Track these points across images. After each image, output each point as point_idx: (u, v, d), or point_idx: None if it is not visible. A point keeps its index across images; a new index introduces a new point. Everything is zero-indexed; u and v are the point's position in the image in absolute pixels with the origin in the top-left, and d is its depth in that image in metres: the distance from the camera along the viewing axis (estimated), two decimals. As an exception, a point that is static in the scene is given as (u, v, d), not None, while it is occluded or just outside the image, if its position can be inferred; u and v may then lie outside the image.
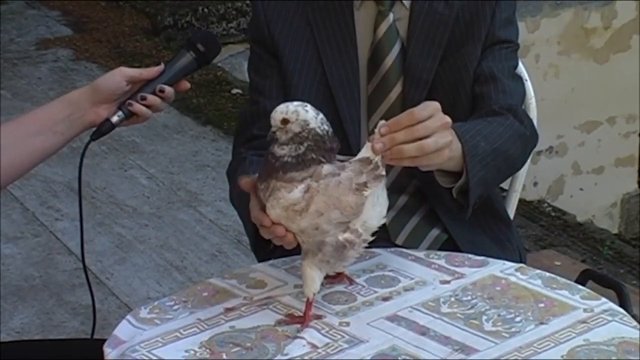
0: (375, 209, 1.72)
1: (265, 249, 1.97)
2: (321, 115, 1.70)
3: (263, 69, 2.15)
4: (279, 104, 1.91)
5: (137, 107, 1.97)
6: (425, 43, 2.09)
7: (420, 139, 1.72)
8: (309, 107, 1.70)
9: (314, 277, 1.73)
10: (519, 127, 2.04)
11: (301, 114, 1.68)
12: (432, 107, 1.76)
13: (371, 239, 1.75)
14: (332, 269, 1.78)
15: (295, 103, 1.70)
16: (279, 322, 1.74)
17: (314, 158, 1.68)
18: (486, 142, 1.93)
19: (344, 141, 2.09)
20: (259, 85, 2.16)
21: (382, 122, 1.73)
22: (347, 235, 1.71)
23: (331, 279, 1.84)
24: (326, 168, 1.69)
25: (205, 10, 6.04)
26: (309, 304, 1.74)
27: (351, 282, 1.85)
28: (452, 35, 2.10)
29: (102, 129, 1.97)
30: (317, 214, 1.68)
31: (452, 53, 2.10)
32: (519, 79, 2.18)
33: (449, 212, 2.11)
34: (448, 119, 1.77)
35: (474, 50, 2.09)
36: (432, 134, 1.73)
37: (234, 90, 5.35)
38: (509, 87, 2.10)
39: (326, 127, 1.70)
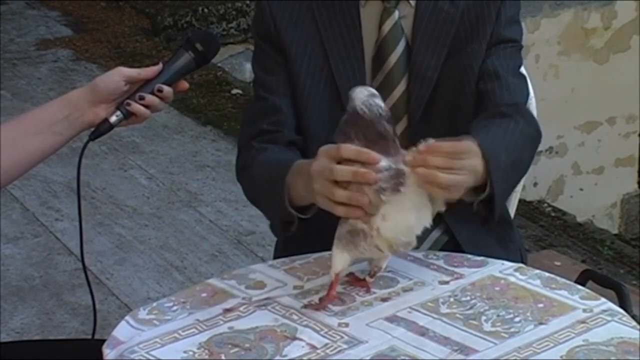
0: (397, 218, 1.72)
1: (287, 231, 1.98)
2: (372, 101, 1.77)
3: (269, 66, 2.14)
4: (286, 100, 2.02)
5: (136, 107, 1.97)
6: (430, 41, 2.09)
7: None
8: (369, 90, 1.79)
9: (338, 257, 1.76)
10: (529, 129, 2.06)
11: (355, 91, 1.79)
12: (474, 149, 1.80)
13: (386, 254, 1.77)
14: (351, 254, 1.78)
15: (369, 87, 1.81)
16: (305, 307, 1.77)
17: (347, 131, 1.76)
18: (507, 155, 1.95)
19: None
20: (265, 82, 2.15)
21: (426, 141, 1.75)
22: (364, 226, 1.73)
23: (354, 282, 1.85)
24: (387, 160, 1.73)
25: (205, 10, 6.04)
26: (332, 283, 1.77)
27: (368, 290, 1.85)
28: (457, 34, 2.10)
29: (101, 129, 1.97)
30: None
31: (457, 51, 2.10)
32: (523, 77, 2.18)
33: (453, 212, 2.11)
34: (478, 166, 1.81)
35: (479, 49, 2.09)
36: (462, 173, 1.76)
37: (234, 91, 5.35)
38: (514, 85, 2.11)
39: (365, 110, 1.76)
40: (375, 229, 1.72)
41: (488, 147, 1.89)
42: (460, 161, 1.76)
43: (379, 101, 1.77)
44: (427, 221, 1.76)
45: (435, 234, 2.14)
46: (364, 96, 1.77)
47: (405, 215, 1.72)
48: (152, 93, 1.97)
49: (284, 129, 2.11)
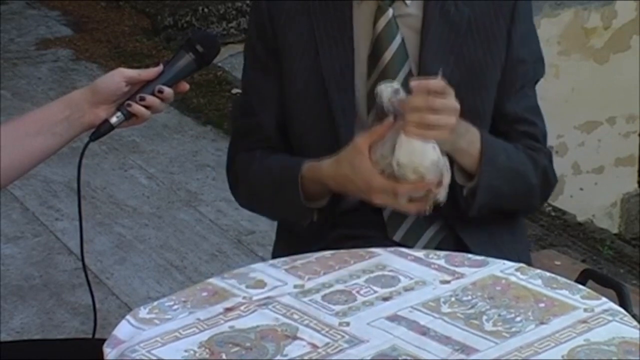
0: (407, 145, 1.86)
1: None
2: (396, 96, 1.89)
3: (259, 79, 2.25)
4: (271, 118, 2.15)
5: (136, 107, 1.97)
6: (439, 50, 2.11)
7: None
8: (394, 86, 1.91)
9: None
10: (545, 166, 2.13)
11: (379, 88, 1.92)
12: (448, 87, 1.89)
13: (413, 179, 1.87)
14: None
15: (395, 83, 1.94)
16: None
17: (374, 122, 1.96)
18: (508, 159, 2.01)
19: (335, 132, 2.10)
20: (252, 100, 2.25)
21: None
22: (385, 163, 1.89)
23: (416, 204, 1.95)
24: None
25: (205, 10, 6.04)
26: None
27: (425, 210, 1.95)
28: (464, 42, 2.12)
29: (101, 129, 1.98)
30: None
31: (464, 59, 2.12)
32: (541, 116, 2.23)
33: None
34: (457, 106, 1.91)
35: (491, 63, 2.13)
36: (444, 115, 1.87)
37: (234, 90, 5.35)
38: (542, 130, 2.19)
39: (384, 102, 1.90)
40: (395, 161, 1.86)
41: (491, 143, 1.97)
42: (441, 100, 1.87)
43: (403, 95, 1.90)
44: (437, 149, 1.87)
45: (433, 228, 2.15)
46: (388, 94, 1.90)
47: (411, 141, 1.86)
48: (153, 94, 1.98)
49: (268, 144, 2.19)
